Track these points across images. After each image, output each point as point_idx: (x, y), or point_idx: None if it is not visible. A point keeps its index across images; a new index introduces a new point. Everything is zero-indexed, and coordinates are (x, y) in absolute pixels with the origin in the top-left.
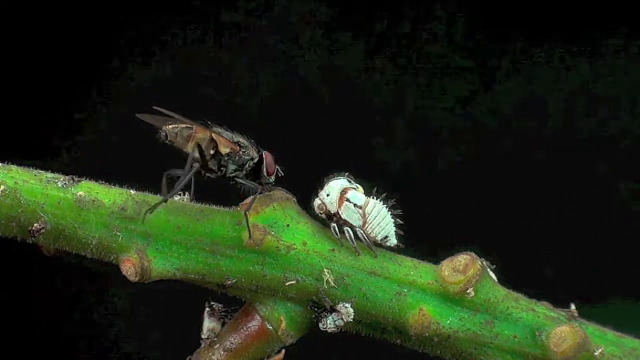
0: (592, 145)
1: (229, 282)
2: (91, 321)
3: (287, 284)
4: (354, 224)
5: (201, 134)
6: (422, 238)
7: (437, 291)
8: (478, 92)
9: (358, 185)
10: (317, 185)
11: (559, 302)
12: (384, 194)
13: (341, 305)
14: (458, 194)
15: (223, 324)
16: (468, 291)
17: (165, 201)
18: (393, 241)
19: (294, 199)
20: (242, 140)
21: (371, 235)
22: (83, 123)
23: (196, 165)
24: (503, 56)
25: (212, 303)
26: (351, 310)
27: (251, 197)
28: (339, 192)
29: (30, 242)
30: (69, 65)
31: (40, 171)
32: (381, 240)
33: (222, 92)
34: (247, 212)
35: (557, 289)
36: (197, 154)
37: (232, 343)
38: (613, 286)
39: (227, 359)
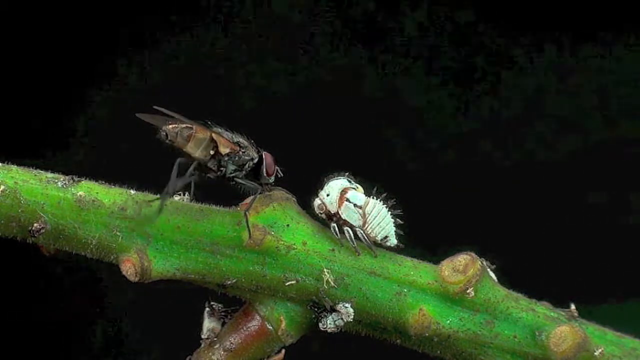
0: (592, 145)
1: (229, 282)
2: (90, 321)
3: (287, 284)
4: (354, 224)
5: (201, 134)
6: (422, 238)
7: (437, 291)
8: (479, 91)
9: (358, 185)
10: (317, 185)
11: (559, 302)
12: (384, 194)
13: (341, 305)
14: (458, 194)
15: (223, 324)
16: (468, 291)
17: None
18: (393, 241)
19: (294, 199)
20: (242, 140)
21: (371, 235)
22: (83, 123)
23: (195, 173)
24: (506, 55)
25: (212, 303)
26: (351, 310)
27: (251, 197)
28: (339, 192)
29: (30, 242)
30: (69, 65)
31: (40, 171)
32: (381, 240)
33: (222, 92)
34: (247, 212)
35: (557, 289)
36: (200, 157)
37: (232, 343)
38: (613, 286)
39: (227, 359)
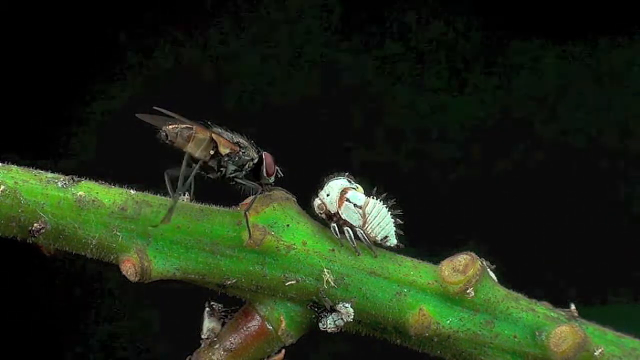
0: (593, 144)
1: (229, 282)
2: (90, 322)
3: (287, 284)
4: (354, 224)
5: (201, 135)
6: (422, 238)
7: (437, 291)
8: (479, 91)
9: (358, 185)
10: (317, 185)
11: (559, 302)
12: (384, 194)
13: (341, 305)
14: (458, 194)
15: (223, 324)
16: (468, 291)
17: (173, 206)
18: (393, 241)
19: (294, 199)
20: (242, 140)
21: (371, 235)
22: (83, 123)
23: (195, 166)
24: (505, 55)
25: (212, 303)
26: (351, 310)
27: (251, 197)
28: (339, 192)
29: (30, 242)
30: (69, 65)
31: (40, 171)
32: (381, 240)
33: (221, 93)
34: (247, 212)
35: (557, 289)
36: (196, 155)
37: (232, 343)
38: (613, 286)
39: (227, 359)
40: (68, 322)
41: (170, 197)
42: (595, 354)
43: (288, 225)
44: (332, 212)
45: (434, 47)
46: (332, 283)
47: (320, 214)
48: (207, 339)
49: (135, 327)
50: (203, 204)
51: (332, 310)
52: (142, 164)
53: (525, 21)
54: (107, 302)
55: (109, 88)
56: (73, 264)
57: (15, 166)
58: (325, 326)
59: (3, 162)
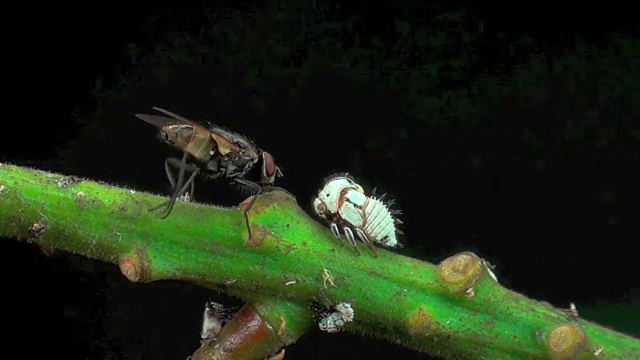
0: (593, 144)
1: (229, 282)
2: (90, 321)
3: (287, 284)
4: (354, 224)
5: (201, 135)
6: (422, 238)
7: (437, 291)
8: (479, 90)
9: (358, 185)
10: (317, 185)
11: (559, 302)
12: (384, 194)
13: (341, 305)
14: (458, 194)
15: (223, 324)
16: (468, 291)
17: (170, 205)
18: (393, 241)
19: (294, 199)
20: (241, 140)
21: (371, 235)
22: (83, 123)
23: (196, 169)
24: (505, 54)
25: (212, 303)
26: (351, 310)
27: (251, 197)
28: (339, 192)
29: (30, 242)
30: (69, 64)
31: (40, 171)
32: (381, 240)
33: (221, 92)
34: (247, 212)
35: (557, 289)
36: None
37: (232, 343)
38: (613, 286)
39: (227, 359)
40: (67, 322)
41: (170, 184)
42: (595, 354)
43: (288, 225)
44: (332, 212)
45: (436, 46)
46: (332, 283)
47: (320, 214)
48: (207, 339)
49: (135, 327)
50: (203, 204)
51: (332, 310)
52: (142, 164)
53: (526, 19)
54: (106, 302)
55: (109, 88)
56: (72, 264)
57: (15, 166)
58: (325, 326)
59: (3, 162)
